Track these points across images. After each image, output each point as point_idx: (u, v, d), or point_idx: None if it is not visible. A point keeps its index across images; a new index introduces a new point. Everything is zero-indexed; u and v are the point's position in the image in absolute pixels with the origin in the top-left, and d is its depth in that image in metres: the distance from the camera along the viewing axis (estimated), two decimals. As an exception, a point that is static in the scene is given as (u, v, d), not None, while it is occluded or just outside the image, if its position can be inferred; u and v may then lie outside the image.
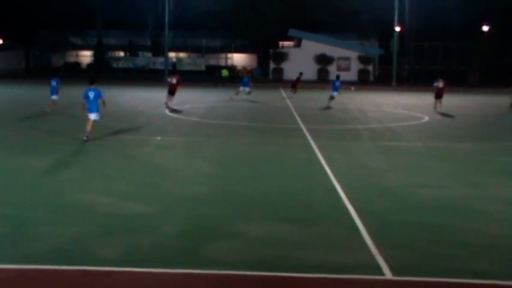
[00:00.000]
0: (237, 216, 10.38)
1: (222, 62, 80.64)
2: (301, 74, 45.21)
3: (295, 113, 29.62)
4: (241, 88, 38.81)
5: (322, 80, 67.26)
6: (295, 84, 44.13)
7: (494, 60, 68.83)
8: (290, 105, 34.66)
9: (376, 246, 8.75)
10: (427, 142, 20.88)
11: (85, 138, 18.46)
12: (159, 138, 20.13)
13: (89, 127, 18.63)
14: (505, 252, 8.80)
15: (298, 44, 74.95)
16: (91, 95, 18.77)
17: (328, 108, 33.00)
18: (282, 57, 73.05)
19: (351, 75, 70.88)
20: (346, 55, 72.84)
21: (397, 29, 64.30)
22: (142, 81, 57.21)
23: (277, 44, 76.24)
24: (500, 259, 8.49)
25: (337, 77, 36.21)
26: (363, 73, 71.81)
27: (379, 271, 7.87)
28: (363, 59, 72.70)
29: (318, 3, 70.10)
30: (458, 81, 57.90)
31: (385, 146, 19.67)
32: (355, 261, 8.27)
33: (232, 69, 67.24)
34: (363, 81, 66.17)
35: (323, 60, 72.17)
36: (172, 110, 29.60)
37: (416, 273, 7.89)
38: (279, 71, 72.23)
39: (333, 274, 7.75)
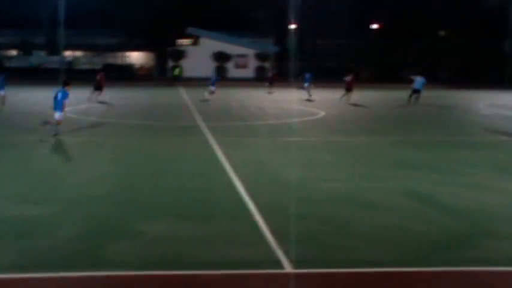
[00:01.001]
0: (136, 216, 10.27)
1: (119, 61, 79.22)
2: (274, 70, 46.06)
3: (194, 111, 29.59)
4: (212, 88, 38.67)
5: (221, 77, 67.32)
6: (272, 81, 44.46)
7: (385, 57, 71.67)
8: (189, 103, 34.60)
9: (276, 240, 8.91)
10: (323, 137, 21.45)
11: (53, 133, 19.58)
12: (56, 138, 19.57)
13: (55, 122, 19.81)
14: (397, 241, 9.19)
15: (196, 42, 74.82)
16: (59, 95, 19.57)
17: (226, 105, 33.18)
18: (179, 55, 72.68)
19: (249, 72, 71.57)
20: (244, 52, 73.43)
21: (293, 26, 65.49)
22: (37, 80, 55.23)
23: (175, 42, 75.80)
24: (393, 248, 8.87)
25: (309, 69, 38.47)
26: (260, 70, 72.64)
27: (279, 265, 8.02)
28: (260, 56, 73.51)
29: (215, 0, 70.30)
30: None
31: (283, 142, 20.01)
32: (256, 256, 8.39)
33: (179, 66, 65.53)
34: (261, 79, 66.87)
35: (221, 57, 72.43)
36: (99, 102, 33.14)
37: (315, 265, 8.08)
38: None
39: (234, 270, 7.84)
